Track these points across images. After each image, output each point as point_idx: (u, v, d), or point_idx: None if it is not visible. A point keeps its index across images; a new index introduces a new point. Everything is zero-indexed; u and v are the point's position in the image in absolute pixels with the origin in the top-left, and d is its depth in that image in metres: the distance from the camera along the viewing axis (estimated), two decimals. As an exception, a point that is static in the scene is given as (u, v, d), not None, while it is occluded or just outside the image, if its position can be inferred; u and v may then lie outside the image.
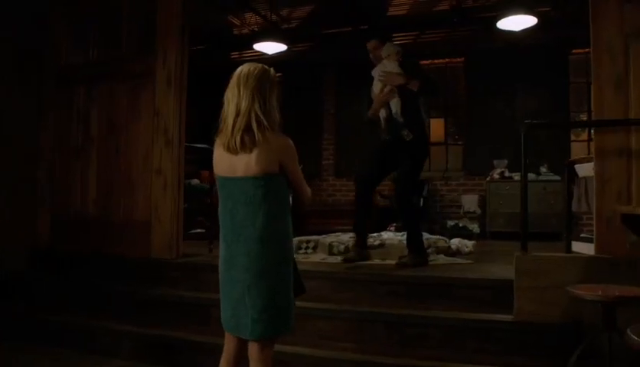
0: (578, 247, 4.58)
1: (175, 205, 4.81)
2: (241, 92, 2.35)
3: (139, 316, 4.29)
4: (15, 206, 5.24)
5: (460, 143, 9.40)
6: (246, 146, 2.33)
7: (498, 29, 7.09)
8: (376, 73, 4.65)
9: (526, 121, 3.82)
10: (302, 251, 5.26)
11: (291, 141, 2.47)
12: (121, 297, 4.50)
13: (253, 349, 2.41)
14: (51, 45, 5.52)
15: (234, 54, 9.94)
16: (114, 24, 5.26)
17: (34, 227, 5.37)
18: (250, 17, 8.75)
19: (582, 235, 4.76)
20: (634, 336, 1.70)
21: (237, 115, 2.34)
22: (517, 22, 6.71)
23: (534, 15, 6.65)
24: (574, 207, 4.82)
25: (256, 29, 8.92)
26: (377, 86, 4.62)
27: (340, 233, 6.13)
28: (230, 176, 2.40)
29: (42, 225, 5.39)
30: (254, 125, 2.32)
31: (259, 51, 8.54)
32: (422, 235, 4.62)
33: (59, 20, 5.53)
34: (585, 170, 4.49)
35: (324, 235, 5.66)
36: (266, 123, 2.35)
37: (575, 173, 4.82)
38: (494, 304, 3.61)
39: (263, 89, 2.38)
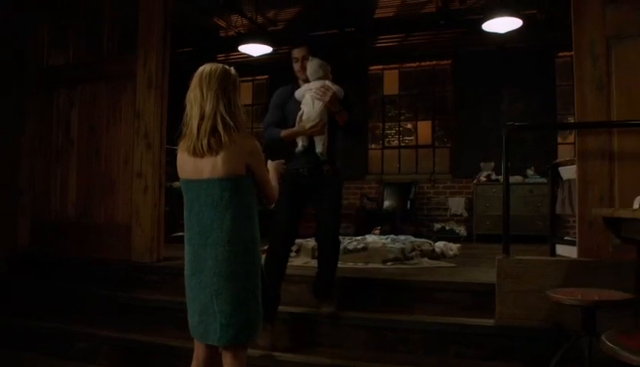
0: (562, 250, 4.57)
1: (156, 208, 4.75)
2: (204, 94, 2.29)
3: (118, 321, 4.22)
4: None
5: (447, 145, 9.38)
6: (212, 149, 2.27)
7: (485, 31, 7.07)
8: (303, 92, 3.65)
9: (508, 123, 3.79)
10: (285, 254, 5.18)
11: (257, 143, 2.43)
12: (100, 301, 4.43)
13: (226, 357, 2.36)
14: (32, 46, 5.44)
15: (220, 56, 9.88)
16: (95, 25, 5.20)
17: (14, 230, 5.28)
18: (236, 20, 8.70)
19: (566, 238, 4.74)
20: (608, 342, 1.66)
21: (202, 118, 2.28)
22: (502, 24, 6.70)
23: (520, 18, 6.64)
24: (558, 210, 4.81)
25: (243, 31, 8.86)
26: (310, 107, 3.58)
27: (324, 236, 6.07)
28: (196, 178, 2.33)
29: (22, 228, 5.31)
30: (220, 127, 2.27)
31: (244, 53, 8.49)
32: None
33: (40, 20, 5.45)
34: (569, 172, 4.47)
35: (307, 239, 5.60)
36: (232, 124, 2.30)
37: (559, 176, 4.80)
38: (476, 308, 3.58)
39: (227, 90, 2.33)
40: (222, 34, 9.40)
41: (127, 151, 4.90)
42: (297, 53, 3.76)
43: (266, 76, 10.19)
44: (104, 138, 5.04)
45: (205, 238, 2.31)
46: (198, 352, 2.45)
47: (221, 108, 2.28)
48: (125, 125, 4.94)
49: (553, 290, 2.78)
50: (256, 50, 8.04)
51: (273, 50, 8.43)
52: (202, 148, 2.27)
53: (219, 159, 2.27)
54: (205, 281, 2.30)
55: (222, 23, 8.88)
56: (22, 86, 5.41)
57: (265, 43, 8.01)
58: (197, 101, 2.30)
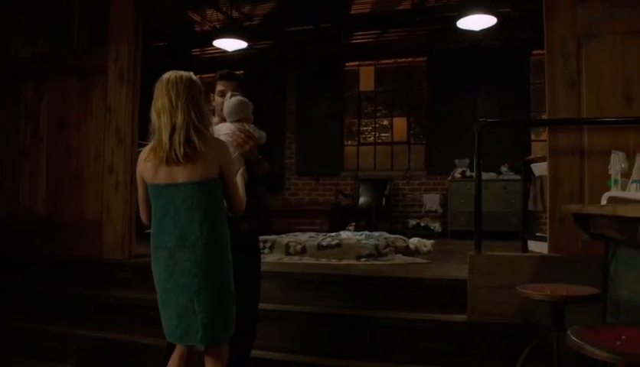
0: (534, 246, 4.60)
1: (127, 204, 4.67)
2: (174, 104, 2.29)
3: (90, 319, 4.16)
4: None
5: (422, 142, 9.42)
6: (188, 156, 2.29)
7: (460, 29, 7.11)
8: (217, 135, 2.81)
9: (480, 119, 3.81)
10: (259, 251, 5.15)
11: (224, 144, 2.47)
12: (71, 300, 4.36)
13: (209, 356, 2.41)
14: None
15: (195, 51, 9.82)
16: (65, 17, 5.08)
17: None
18: (212, 14, 8.63)
19: (537, 234, 4.78)
20: (573, 337, 1.67)
21: (174, 128, 2.28)
22: (477, 22, 6.75)
23: (494, 15, 6.69)
24: (530, 206, 4.85)
25: (218, 26, 8.79)
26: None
27: (298, 233, 6.08)
28: (170, 183, 2.33)
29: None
30: (194, 137, 2.28)
31: (220, 48, 8.43)
32: None
33: (5, 9, 5.30)
34: (540, 169, 4.51)
35: (282, 235, 5.59)
36: (205, 131, 2.33)
37: (532, 173, 4.84)
38: (449, 304, 3.59)
39: (195, 98, 2.34)
40: (197, 29, 9.32)
41: (98, 147, 4.82)
42: (224, 85, 3.14)
43: (242, 72, 10.11)
44: (74, 134, 4.94)
45: (183, 240, 2.32)
46: (177, 354, 2.47)
47: (193, 117, 2.29)
48: (96, 120, 4.85)
49: (523, 285, 2.80)
50: (231, 45, 7.99)
51: (249, 45, 8.40)
52: (177, 158, 2.28)
53: (197, 164, 2.30)
54: (184, 283, 2.32)
55: (197, 17, 8.81)
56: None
57: (240, 39, 7.97)
58: (166, 111, 2.30)
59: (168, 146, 2.27)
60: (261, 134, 3.02)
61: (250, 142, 2.91)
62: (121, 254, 4.62)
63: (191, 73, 2.41)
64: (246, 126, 2.95)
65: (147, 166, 2.36)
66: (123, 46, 4.78)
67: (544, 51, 3.72)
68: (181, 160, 2.27)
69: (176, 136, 2.27)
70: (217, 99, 3.13)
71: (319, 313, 3.65)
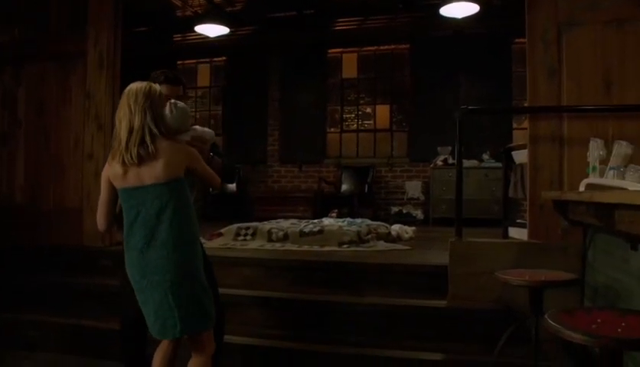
0: (514, 232, 4.65)
1: (108, 191, 4.62)
2: (132, 110, 2.40)
3: (71, 308, 4.14)
4: None
5: (405, 130, 9.45)
6: (143, 158, 2.37)
7: (443, 16, 7.12)
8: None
9: (462, 107, 3.83)
10: (241, 237, 5.17)
11: (185, 146, 2.59)
12: (50, 288, 4.33)
13: (193, 350, 2.51)
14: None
15: (177, 37, 9.73)
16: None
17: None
18: (193, -1, 8.55)
19: (517, 221, 4.83)
20: (551, 321, 1.70)
21: (131, 132, 2.38)
22: (459, 9, 6.76)
23: (476, 3, 6.70)
24: (511, 193, 4.90)
25: (200, 11, 8.71)
26: None
27: (281, 219, 6.08)
28: (139, 185, 2.41)
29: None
30: (148, 138, 2.38)
31: (202, 34, 8.36)
32: None
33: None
34: (521, 156, 4.55)
35: (264, 222, 5.58)
36: (158, 133, 2.42)
37: (512, 160, 4.88)
38: (430, 290, 3.62)
39: (154, 104, 2.44)
40: (178, 14, 9.21)
41: (77, 133, 4.76)
42: (170, 91, 2.86)
43: (224, 58, 10.05)
44: (54, 120, 4.86)
45: (154, 240, 2.39)
46: (160, 352, 2.58)
47: (148, 120, 2.40)
48: (76, 106, 4.79)
49: (503, 271, 2.83)
50: (213, 30, 7.92)
51: (231, 31, 8.34)
52: (132, 158, 2.37)
53: (158, 165, 2.39)
54: (157, 281, 2.38)
55: (178, 2, 8.70)
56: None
57: (222, 24, 7.90)
58: (125, 117, 2.41)
59: (124, 147, 2.37)
60: (210, 133, 3.09)
61: (208, 145, 2.95)
62: (101, 242, 4.58)
63: (151, 84, 2.54)
64: (198, 128, 3.01)
65: (115, 170, 2.43)
66: (103, 30, 4.72)
67: (526, 40, 3.74)
68: (135, 160, 2.36)
69: (132, 137, 2.37)
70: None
71: (301, 299, 3.67)
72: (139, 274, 2.42)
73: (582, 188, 2.81)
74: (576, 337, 1.59)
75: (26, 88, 5.01)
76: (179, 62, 10.16)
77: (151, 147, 2.37)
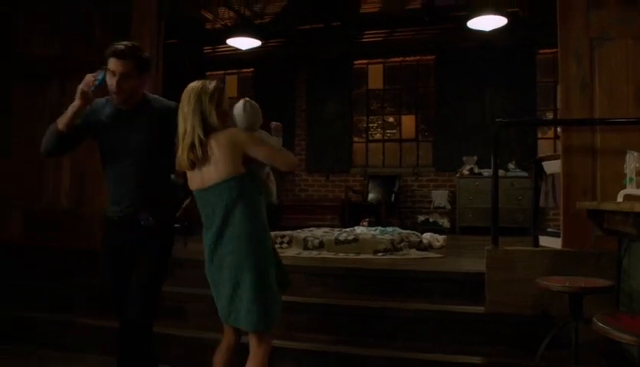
0: (545, 241, 4.74)
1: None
2: (183, 113, 2.53)
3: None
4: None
5: (430, 139, 9.56)
6: (196, 163, 2.50)
7: (468, 28, 7.23)
8: None
9: (497, 119, 3.95)
10: (277, 245, 5.31)
11: (236, 129, 2.61)
12: (95, 291, 4.47)
13: (251, 343, 2.58)
14: (16, 34, 5.33)
15: (207, 49, 9.94)
16: (87, 15, 5.17)
17: (6, 221, 5.29)
18: (223, 12, 8.75)
19: (549, 230, 4.93)
20: (600, 323, 1.82)
21: (183, 136, 2.51)
22: (487, 22, 6.87)
23: (504, 16, 6.81)
24: (541, 203, 4.98)
25: (229, 24, 8.92)
26: None
27: (313, 228, 6.21)
28: (204, 187, 2.55)
29: (14, 219, 5.31)
30: (197, 142, 2.48)
31: (232, 46, 8.54)
32: None
33: (29, 10, 5.40)
34: (552, 167, 4.64)
35: (298, 230, 5.73)
36: (213, 126, 2.50)
37: (543, 170, 4.97)
38: (465, 297, 3.74)
39: (204, 103, 2.51)
40: (208, 27, 9.44)
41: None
42: (116, 66, 2.63)
43: (252, 70, 10.26)
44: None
45: (221, 237, 2.53)
46: (227, 337, 2.71)
47: (197, 122, 2.49)
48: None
49: (542, 277, 2.95)
50: (244, 43, 8.09)
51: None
52: (187, 164, 2.51)
53: (212, 166, 2.50)
54: (225, 276, 2.52)
55: (209, 15, 8.92)
56: (11, 79, 5.37)
57: (251, 37, 8.06)
58: (181, 120, 2.54)
59: (180, 153, 2.53)
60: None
61: None
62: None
63: (206, 81, 2.60)
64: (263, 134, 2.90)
65: (188, 175, 2.59)
66: (145, 46, 4.87)
67: (552, 50, 3.87)
68: (189, 166, 2.51)
69: (184, 143, 2.50)
70: (109, 80, 2.66)
71: (343, 305, 3.79)
72: (212, 268, 2.58)
73: (620, 199, 2.92)
74: (625, 338, 1.71)
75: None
76: (208, 73, 10.38)
77: (199, 151, 2.47)
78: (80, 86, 2.72)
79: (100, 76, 2.68)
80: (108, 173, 2.86)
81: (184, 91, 2.56)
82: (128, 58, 2.64)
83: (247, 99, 2.80)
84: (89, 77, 2.70)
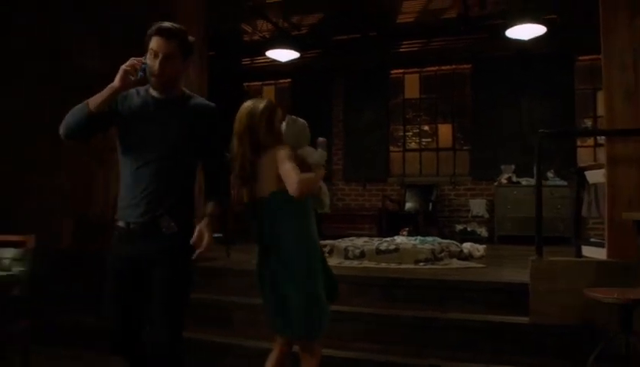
0: (588, 251, 4.70)
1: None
2: (237, 132, 2.69)
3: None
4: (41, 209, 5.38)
5: (467, 148, 9.53)
6: (245, 180, 2.66)
7: (504, 37, 7.22)
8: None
9: (540, 130, 3.96)
10: (319, 255, 5.37)
11: (280, 147, 2.65)
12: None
13: (302, 353, 2.68)
14: (70, 49, 5.54)
15: (246, 60, 10.11)
16: (131, 30, 5.33)
17: (59, 228, 5.48)
18: (262, 24, 8.91)
19: (592, 240, 4.88)
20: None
21: (237, 154, 2.68)
22: (526, 31, 6.85)
23: (542, 24, 6.78)
24: (584, 213, 4.94)
25: (267, 36, 9.07)
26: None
27: (354, 238, 6.26)
28: (253, 200, 2.70)
29: (65, 226, 5.50)
30: (246, 163, 2.64)
31: (269, 58, 8.67)
32: None
33: (75, 21, 5.59)
34: (595, 176, 4.60)
35: (339, 240, 5.79)
36: (265, 145, 2.65)
37: (585, 180, 4.93)
38: (508, 307, 3.75)
39: (254, 123, 2.66)
40: (246, 39, 9.61)
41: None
42: (158, 45, 2.42)
43: (289, 80, 10.39)
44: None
45: (269, 248, 2.64)
46: (277, 346, 2.76)
47: (246, 142, 2.65)
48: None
49: (590, 288, 2.94)
50: (283, 55, 8.21)
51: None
52: (238, 181, 2.68)
53: (263, 181, 2.65)
54: (274, 284, 2.63)
55: (247, 28, 9.09)
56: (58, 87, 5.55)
57: (289, 48, 8.19)
58: (234, 139, 2.70)
59: (234, 170, 2.67)
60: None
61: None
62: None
63: (256, 101, 2.73)
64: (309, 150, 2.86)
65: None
66: (194, 65, 5.03)
67: (590, 57, 3.87)
68: (240, 183, 2.66)
69: (235, 163, 2.66)
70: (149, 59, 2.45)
71: (386, 314, 3.84)
72: (262, 279, 2.69)
73: (669, 209, 2.91)
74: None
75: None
76: (245, 84, 10.55)
77: (249, 170, 2.63)
78: (124, 66, 2.43)
79: (145, 64, 2.43)
80: (125, 171, 2.52)
81: (238, 111, 2.70)
82: (173, 38, 2.42)
83: (292, 116, 2.81)
84: (133, 60, 2.43)
